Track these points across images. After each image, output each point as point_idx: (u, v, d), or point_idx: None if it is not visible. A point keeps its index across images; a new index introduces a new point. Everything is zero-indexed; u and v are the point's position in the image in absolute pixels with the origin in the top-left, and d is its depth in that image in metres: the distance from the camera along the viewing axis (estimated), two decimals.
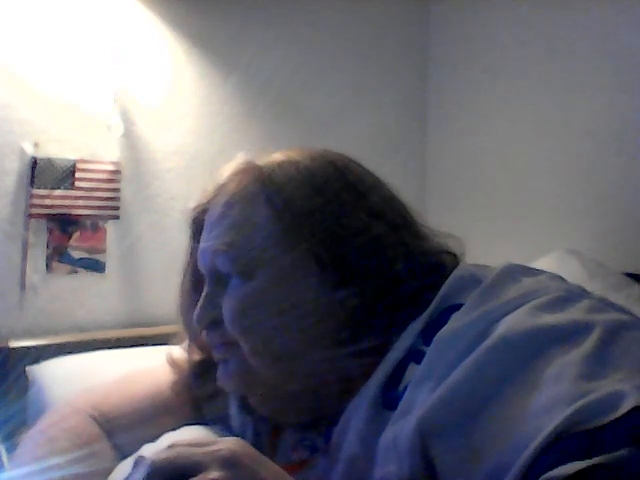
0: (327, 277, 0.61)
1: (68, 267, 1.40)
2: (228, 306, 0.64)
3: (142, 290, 1.49)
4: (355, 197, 0.64)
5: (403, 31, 1.93)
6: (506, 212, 1.71)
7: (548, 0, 1.63)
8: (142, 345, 1.14)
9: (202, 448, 0.40)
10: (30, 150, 1.36)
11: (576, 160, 1.56)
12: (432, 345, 0.54)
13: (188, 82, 1.56)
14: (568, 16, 1.58)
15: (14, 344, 1.26)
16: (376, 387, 0.57)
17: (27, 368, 1.15)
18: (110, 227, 1.45)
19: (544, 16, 1.64)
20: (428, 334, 0.56)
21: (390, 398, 0.56)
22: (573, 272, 1.25)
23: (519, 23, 1.70)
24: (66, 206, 1.38)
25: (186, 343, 0.78)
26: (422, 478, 0.48)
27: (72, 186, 1.39)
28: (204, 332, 0.68)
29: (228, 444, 0.41)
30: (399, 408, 0.53)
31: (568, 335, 0.47)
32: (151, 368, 0.82)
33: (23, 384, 1.13)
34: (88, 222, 1.42)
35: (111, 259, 1.45)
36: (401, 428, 0.50)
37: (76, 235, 1.41)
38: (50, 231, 1.38)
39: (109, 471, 0.72)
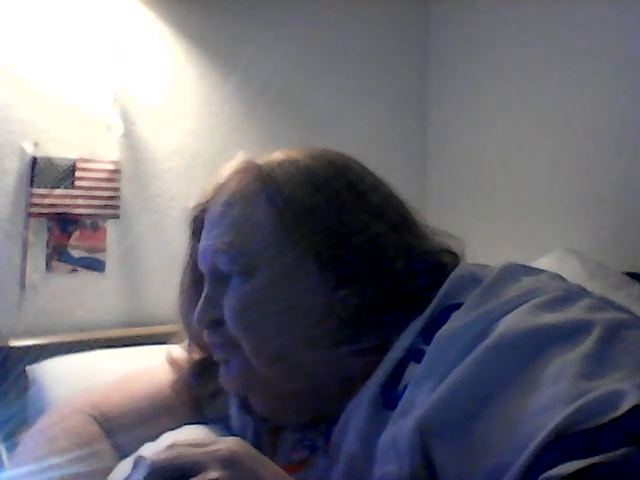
0: (327, 276, 0.61)
1: (68, 266, 1.40)
2: (229, 305, 0.64)
3: (142, 290, 1.49)
4: (355, 196, 0.64)
5: (403, 31, 1.93)
6: (506, 212, 1.71)
7: (548, 0, 1.63)
8: (142, 345, 1.14)
9: (202, 448, 0.40)
10: (30, 150, 1.36)
11: (576, 160, 1.56)
12: (432, 344, 0.54)
13: (188, 82, 1.56)
14: (568, 16, 1.58)
15: (14, 344, 1.26)
16: (376, 386, 0.57)
17: (27, 368, 1.15)
18: (110, 227, 1.45)
19: (544, 16, 1.64)
20: (428, 333, 0.56)
21: (390, 397, 0.56)
22: (573, 272, 1.25)
23: (519, 23, 1.70)
24: (66, 205, 1.38)
25: (186, 342, 0.78)
26: (422, 478, 0.48)
27: (72, 185, 1.39)
28: (205, 332, 0.68)
29: (228, 444, 0.41)
30: (399, 408, 0.53)
31: (568, 334, 0.47)
32: (151, 368, 0.82)
33: (23, 384, 1.13)
34: (88, 221, 1.42)
35: (111, 259, 1.45)
36: (401, 427, 0.50)
37: (76, 234, 1.41)
38: (50, 230, 1.38)
39: (109, 471, 0.72)
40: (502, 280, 0.57)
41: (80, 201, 1.40)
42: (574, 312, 0.50)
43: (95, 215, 1.42)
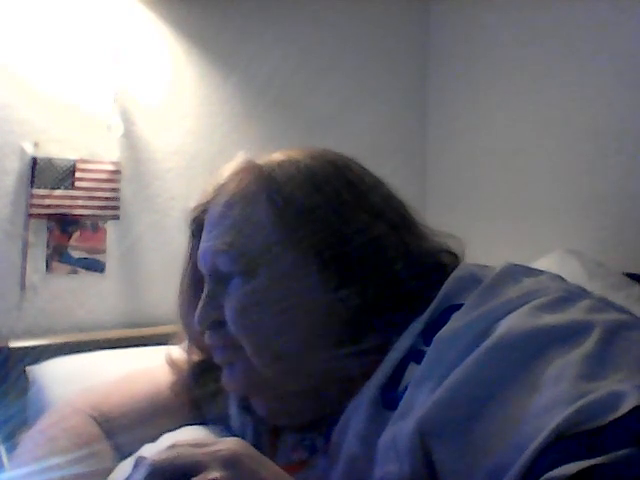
0: (327, 276, 0.61)
1: (68, 267, 1.40)
2: (229, 306, 0.64)
3: (142, 290, 1.49)
4: (355, 196, 0.64)
5: (403, 31, 1.93)
6: (506, 212, 1.72)
7: (548, 0, 1.63)
8: (142, 345, 1.14)
9: (202, 448, 0.40)
10: (30, 150, 1.36)
11: (576, 160, 1.56)
12: (432, 345, 0.54)
13: (188, 82, 1.56)
14: (568, 16, 1.58)
15: (14, 344, 1.26)
16: (376, 387, 0.57)
17: (27, 368, 1.15)
18: (110, 227, 1.45)
19: (544, 16, 1.64)
20: (428, 334, 0.56)
21: (390, 398, 0.56)
22: (573, 272, 1.25)
23: (519, 23, 1.70)
24: (66, 206, 1.38)
25: (185, 343, 0.78)
26: (422, 478, 0.48)
27: (72, 186, 1.39)
28: (206, 334, 0.67)
29: (228, 444, 0.41)
30: (399, 408, 0.53)
31: (568, 335, 0.47)
32: (151, 368, 0.82)
33: (23, 384, 1.13)
34: (88, 222, 1.42)
35: (111, 259, 1.45)
36: (401, 428, 0.50)
37: (76, 235, 1.41)
38: (50, 231, 1.38)
39: (109, 471, 0.72)
40: (502, 281, 0.57)
41: (80, 202, 1.40)
42: (574, 313, 0.50)
43: (95, 216, 1.42)
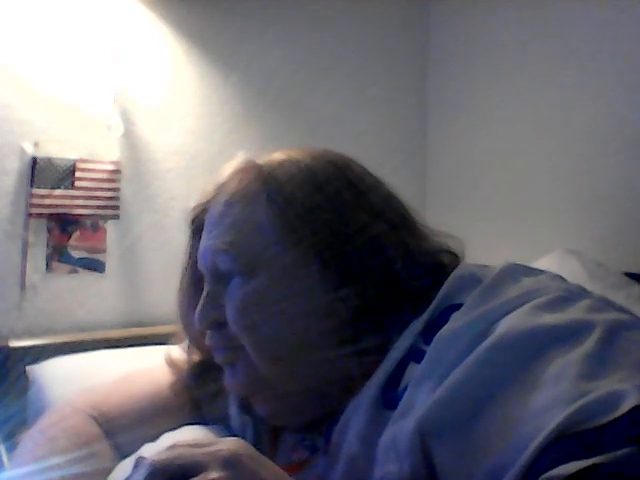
0: (328, 276, 0.61)
1: (68, 267, 1.40)
2: (230, 305, 0.64)
3: (142, 290, 1.49)
4: (355, 196, 0.65)
5: (403, 31, 1.93)
6: (506, 212, 1.72)
7: (548, 0, 1.63)
8: (142, 345, 1.14)
9: (202, 448, 0.40)
10: (30, 150, 1.36)
11: (576, 160, 1.56)
12: (432, 345, 0.54)
13: (188, 82, 1.56)
14: (568, 16, 1.58)
15: (14, 344, 1.26)
16: (376, 387, 0.57)
17: (27, 368, 1.15)
18: (110, 227, 1.45)
19: (544, 16, 1.64)
20: (428, 334, 0.56)
21: (390, 398, 0.56)
22: (573, 272, 1.25)
23: (519, 23, 1.70)
24: (66, 206, 1.38)
25: (185, 343, 0.78)
26: (422, 478, 0.48)
27: (72, 186, 1.39)
28: (208, 335, 0.67)
29: (228, 444, 0.41)
30: (399, 408, 0.53)
31: (568, 335, 0.47)
32: (151, 368, 0.82)
33: (23, 384, 1.13)
34: (88, 222, 1.42)
35: (111, 259, 1.45)
36: (401, 428, 0.50)
37: (76, 235, 1.41)
38: (50, 231, 1.38)
39: (109, 471, 0.72)
40: (502, 280, 0.57)
41: (80, 201, 1.40)
42: (574, 312, 0.50)
43: (95, 215, 1.42)
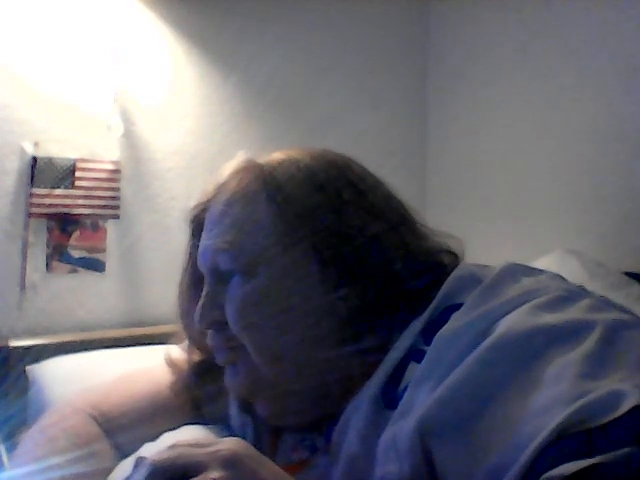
0: (328, 275, 0.61)
1: (68, 266, 1.40)
2: (230, 305, 0.64)
3: (142, 290, 1.49)
4: (355, 196, 0.65)
5: (403, 31, 1.93)
6: (506, 212, 1.72)
7: (548, 0, 1.63)
8: (142, 345, 1.14)
9: (203, 448, 0.40)
10: (30, 149, 1.36)
11: (576, 160, 1.56)
12: (432, 344, 0.54)
13: (188, 82, 1.56)
14: (568, 16, 1.58)
15: (14, 344, 1.26)
16: (376, 386, 0.57)
17: (27, 368, 1.15)
18: (110, 227, 1.45)
19: (544, 16, 1.64)
20: (428, 333, 0.56)
21: (390, 397, 0.56)
22: (573, 272, 1.25)
23: (519, 23, 1.70)
24: (66, 205, 1.38)
25: (185, 343, 0.78)
26: (422, 478, 0.48)
27: (72, 185, 1.39)
28: (209, 335, 0.67)
29: (229, 444, 0.41)
30: (399, 408, 0.53)
31: (568, 334, 0.47)
32: (151, 368, 0.82)
33: (23, 384, 1.13)
34: (88, 221, 1.42)
35: (111, 259, 1.45)
36: (401, 428, 0.50)
37: (76, 234, 1.41)
38: (50, 230, 1.38)
39: (109, 471, 0.72)
40: (502, 280, 0.57)
41: (80, 201, 1.40)
42: (575, 312, 0.50)
43: (95, 215, 1.42)
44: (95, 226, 1.43)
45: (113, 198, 1.44)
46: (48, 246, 1.38)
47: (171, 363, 0.79)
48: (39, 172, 1.36)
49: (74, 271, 1.41)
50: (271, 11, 1.67)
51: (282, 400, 0.65)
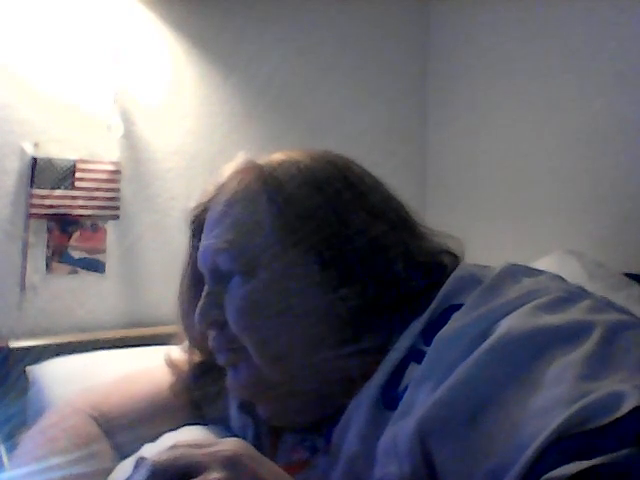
0: (328, 276, 0.62)
1: (68, 267, 1.40)
2: (230, 305, 0.64)
3: (142, 290, 1.49)
4: (355, 196, 0.65)
5: (403, 31, 1.93)
6: (506, 212, 1.71)
7: (548, 0, 1.63)
8: (142, 345, 1.14)
9: (203, 449, 0.40)
10: (30, 150, 1.36)
11: (576, 160, 1.56)
12: (432, 345, 0.54)
13: (188, 82, 1.56)
14: (568, 16, 1.58)
15: (14, 344, 1.26)
16: (377, 387, 0.57)
17: (27, 368, 1.15)
18: (110, 227, 1.45)
19: (544, 16, 1.64)
20: (428, 334, 0.56)
21: (390, 398, 0.56)
22: (573, 272, 1.25)
23: (519, 23, 1.70)
24: (66, 206, 1.38)
25: (185, 344, 0.78)
26: (422, 478, 0.48)
27: (72, 186, 1.39)
28: (210, 337, 0.67)
29: (229, 445, 0.41)
30: (399, 408, 0.53)
31: (569, 335, 0.47)
32: (151, 368, 0.82)
33: (23, 384, 1.13)
34: (88, 222, 1.42)
35: (111, 259, 1.45)
36: (401, 428, 0.50)
37: (76, 235, 1.41)
38: (50, 231, 1.38)
39: (109, 471, 0.72)
40: (502, 281, 0.57)
41: (80, 202, 1.40)
42: (575, 313, 0.50)
43: (95, 216, 1.42)
44: (95, 227, 1.43)
45: (113, 199, 1.44)
46: (48, 247, 1.38)
47: (171, 364, 0.79)
48: (39, 173, 1.36)
49: (74, 272, 1.40)
50: (271, 11, 1.67)
51: (283, 401, 0.65)
